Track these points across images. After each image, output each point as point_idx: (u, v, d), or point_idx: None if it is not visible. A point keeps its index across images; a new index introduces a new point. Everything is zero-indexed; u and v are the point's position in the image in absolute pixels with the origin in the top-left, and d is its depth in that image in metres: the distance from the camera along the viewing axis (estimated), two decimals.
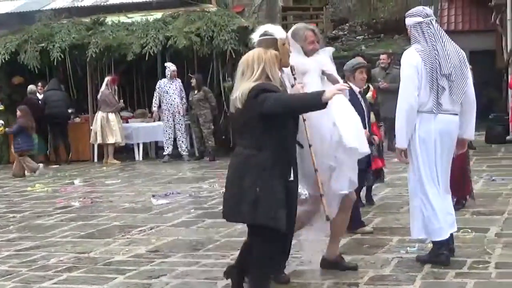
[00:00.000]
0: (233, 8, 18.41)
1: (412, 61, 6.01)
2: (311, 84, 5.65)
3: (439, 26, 6.21)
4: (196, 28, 16.02)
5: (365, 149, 5.97)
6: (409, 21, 6.20)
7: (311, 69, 5.82)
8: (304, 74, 5.75)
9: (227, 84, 15.88)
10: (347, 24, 28.27)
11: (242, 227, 8.04)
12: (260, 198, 4.95)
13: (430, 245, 6.70)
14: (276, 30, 5.63)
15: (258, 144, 5.04)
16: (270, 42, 5.49)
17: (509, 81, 15.56)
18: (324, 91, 4.97)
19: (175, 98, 15.88)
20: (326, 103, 4.94)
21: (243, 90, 5.03)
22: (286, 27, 24.18)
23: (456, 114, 6.08)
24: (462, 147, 6.41)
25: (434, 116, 5.99)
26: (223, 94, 16.04)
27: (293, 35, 5.90)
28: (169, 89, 15.92)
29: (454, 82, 6.01)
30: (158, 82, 16.25)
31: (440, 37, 6.07)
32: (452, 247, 6.32)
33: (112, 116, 16.14)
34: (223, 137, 16.52)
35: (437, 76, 5.97)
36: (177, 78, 16.06)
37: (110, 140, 16.14)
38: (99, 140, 16.23)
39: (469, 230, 7.31)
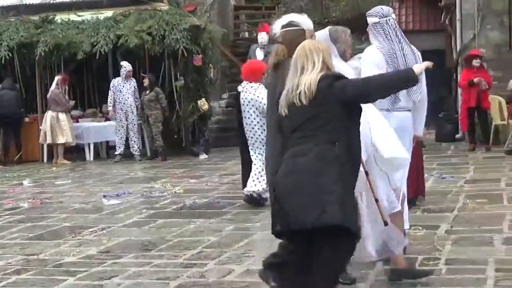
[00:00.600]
0: (185, 7, 18.27)
1: (373, 58, 6.07)
2: None
3: (397, 26, 6.23)
4: (147, 27, 15.92)
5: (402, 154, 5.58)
6: (368, 20, 6.29)
7: (348, 75, 5.49)
8: None
9: (179, 83, 15.83)
10: None
11: (194, 227, 8.04)
12: (345, 198, 4.39)
13: None
14: (303, 20, 5.32)
15: (332, 137, 4.48)
16: (298, 33, 5.20)
17: (458, 80, 15.76)
18: (411, 68, 4.77)
19: (128, 98, 15.76)
20: (418, 79, 4.73)
21: (309, 83, 4.52)
22: (238, 27, 24.08)
23: (409, 110, 6.13)
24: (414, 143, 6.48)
25: (390, 114, 6.02)
26: (175, 93, 15.97)
27: (332, 37, 5.73)
28: (122, 88, 15.79)
29: None
30: (112, 81, 16.09)
31: (397, 36, 6.11)
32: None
33: (62, 116, 15.93)
34: (175, 136, 16.45)
35: None
36: (132, 78, 15.94)
37: (60, 140, 15.93)
38: (49, 140, 16.00)
39: (420, 228, 7.37)
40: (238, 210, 9.00)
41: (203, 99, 15.94)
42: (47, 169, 15.26)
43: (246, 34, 23.84)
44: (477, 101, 14.29)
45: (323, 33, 5.73)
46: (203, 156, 15.59)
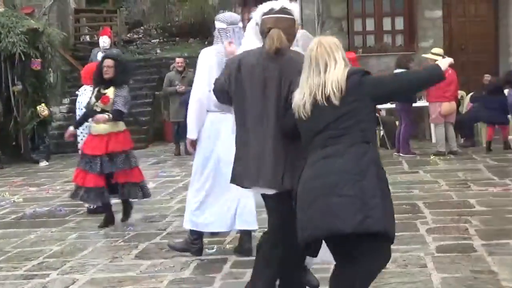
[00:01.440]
0: (22, 9, 17.65)
1: (207, 60, 6.24)
2: None
3: (242, 35, 6.27)
4: None
5: None
6: (216, 24, 6.46)
7: None
8: None
9: (16, 88, 15.23)
10: (142, 27, 28.10)
11: (35, 236, 7.74)
12: (385, 202, 4.06)
13: (229, 246, 6.81)
14: (294, 9, 4.81)
15: (365, 137, 4.14)
16: (290, 23, 4.68)
17: None
18: (437, 64, 4.47)
19: None
20: (443, 75, 4.39)
21: (337, 81, 4.13)
22: (79, 30, 23.42)
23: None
24: None
25: (223, 116, 6.15)
26: (12, 98, 15.36)
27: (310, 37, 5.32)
28: None
29: None
30: None
31: (240, 44, 6.20)
32: (248, 246, 6.42)
33: None
34: (14, 143, 15.84)
35: None
36: None
37: None
38: None
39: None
40: (81, 218, 8.75)
41: (43, 104, 15.40)
42: None
43: (87, 38, 23.37)
44: None
45: (304, 34, 5.42)
46: (43, 163, 15.06)
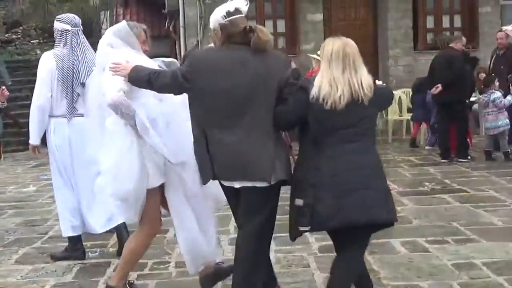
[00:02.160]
0: None
1: (47, 64, 6.28)
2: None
3: (83, 38, 6.42)
4: None
5: None
6: (57, 25, 6.43)
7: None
8: None
9: None
10: (20, 28, 27.38)
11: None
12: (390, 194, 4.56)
13: (112, 250, 6.74)
14: (242, 6, 4.73)
15: (374, 140, 4.58)
16: (243, 23, 4.64)
17: None
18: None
19: None
20: None
21: (369, 83, 4.39)
22: None
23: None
24: None
25: (67, 121, 6.27)
26: None
27: (126, 30, 5.21)
28: None
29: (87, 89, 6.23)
30: None
31: (79, 45, 6.33)
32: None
33: None
34: None
35: (73, 82, 6.23)
36: None
37: None
38: None
39: None
40: None
41: None
42: None
43: None
44: None
45: (122, 27, 5.27)
46: None
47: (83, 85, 6.23)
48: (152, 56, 5.33)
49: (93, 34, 22.70)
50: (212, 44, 5.04)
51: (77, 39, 6.34)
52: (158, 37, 21.80)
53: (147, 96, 4.90)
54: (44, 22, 27.16)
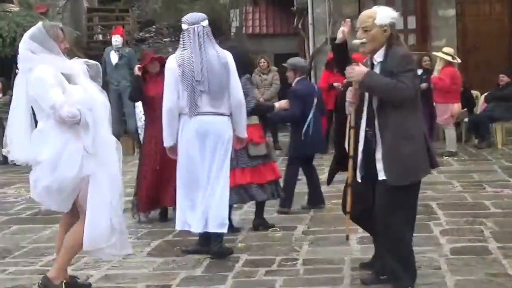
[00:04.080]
0: (36, 9, 17.72)
1: (168, 66, 6.36)
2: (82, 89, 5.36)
3: (204, 34, 6.34)
4: None
5: None
6: (182, 26, 6.50)
7: (79, 71, 5.44)
8: (70, 78, 5.34)
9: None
10: (153, 26, 28.10)
11: (50, 232, 7.75)
12: None
13: (240, 245, 6.81)
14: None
15: None
16: None
17: (317, 82, 16.04)
18: None
19: None
20: None
21: None
22: (92, 29, 23.41)
23: (216, 114, 6.28)
24: (240, 143, 6.67)
25: (191, 118, 6.24)
26: None
27: (43, 34, 5.33)
28: None
29: (210, 86, 6.23)
30: None
31: (199, 44, 6.29)
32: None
33: None
34: None
35: (193, 81, 6.20)
36: None
37: None
38: None
39: (278, 229, 7.46)
40: None
41: None
42: None
43: (100, 37, 23.39)
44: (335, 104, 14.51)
45: (38, 30, 5.37)
46: None
47: (198, 82, 6.20)
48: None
49: (222, 32, 23.05)
50: (364, 40, 5.23)
51: (193, 37, 6.29)
52: (287, 35, 21.92)
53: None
54: (176, 21, 27.80)
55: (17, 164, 5.67)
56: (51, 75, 5.18)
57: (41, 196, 5.45)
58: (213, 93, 6.23)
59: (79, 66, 5.41)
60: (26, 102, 5.34)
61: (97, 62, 5.66)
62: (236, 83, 6.37)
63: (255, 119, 7.48)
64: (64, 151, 5.20)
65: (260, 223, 7.60)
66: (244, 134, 6.55)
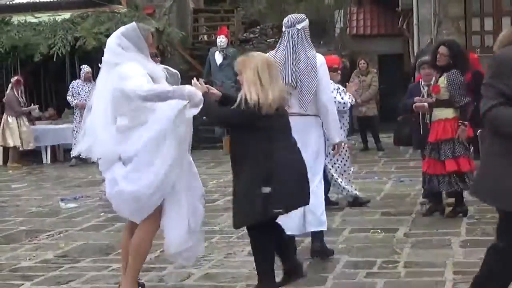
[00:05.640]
0: (144, 10, 18.19)
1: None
2: None
3: (299, 36, 6.37)
4: (105, 29, 15.74)
5: None
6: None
7: (162, 77, 5.46)
8: (154, 81, 5.33)
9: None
10: (258, 27, 28.34)
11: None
12: None
13: (340, 246, 6.81)
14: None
15: None
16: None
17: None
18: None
19: (85, 101, 15.47)
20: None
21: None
22: (197, 30, 23.81)
23: (304, 115, 6.28)
24: (336, 150, 6.73)
25: None
26: None
27: (136, 32, 5.38)
28: (81, 91, 15.47)
29: (302, 88, 6.26)
30: (72, 83, 15.69)
31: (293, 47, 6.31)
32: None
33: (11, 119, 15.53)
34: None
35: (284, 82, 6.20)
36: (92, 81, 15.61)
37: (10, 143, 15.61)
38: (1, 143, 15.72)
39: (379, 231, 7.43)
40: None
41: None
42: (2, 172, 15.01)
43: (205, 37, 23.78)
44: None
45: (131, 28, 5.43)
46: None
47: (289, 84, 6.19)
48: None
49: (327, 33, 23.04)
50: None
51: (288, 40, 6.34)
52: (391, 36, 21.71)
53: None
54: (280, 21, 27.95)
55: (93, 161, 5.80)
56: (140, 72, 5.21)
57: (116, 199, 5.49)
58: (301, 95, 6.27)
59: (161, 72, 5.46)
60: (107, 97, 5.34)
61: (177, 71, 5.69)
62: (323, 87, 6.35)
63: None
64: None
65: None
66: (334, 139, 6.54)
